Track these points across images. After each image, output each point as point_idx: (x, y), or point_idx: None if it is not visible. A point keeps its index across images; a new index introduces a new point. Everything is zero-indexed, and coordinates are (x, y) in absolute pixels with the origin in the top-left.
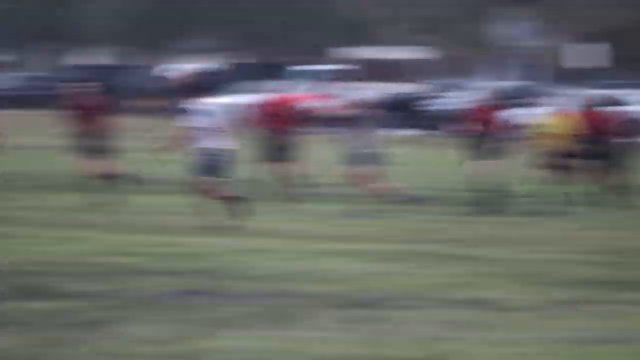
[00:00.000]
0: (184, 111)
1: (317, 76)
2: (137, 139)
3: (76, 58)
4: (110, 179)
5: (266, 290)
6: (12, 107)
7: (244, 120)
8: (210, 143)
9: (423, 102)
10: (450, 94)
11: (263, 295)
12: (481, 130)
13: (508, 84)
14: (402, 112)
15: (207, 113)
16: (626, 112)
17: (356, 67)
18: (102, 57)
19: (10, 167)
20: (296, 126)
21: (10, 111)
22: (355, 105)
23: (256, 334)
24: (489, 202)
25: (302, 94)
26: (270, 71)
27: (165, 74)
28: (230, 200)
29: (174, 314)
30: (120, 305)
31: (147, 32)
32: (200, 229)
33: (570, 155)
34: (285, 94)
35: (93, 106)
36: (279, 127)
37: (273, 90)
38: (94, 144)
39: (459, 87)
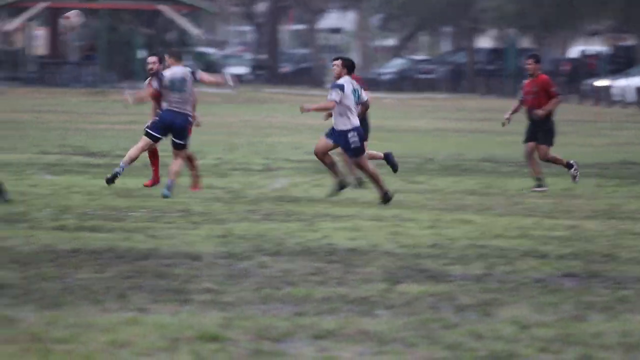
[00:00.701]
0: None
1: None
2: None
3: (464, 41)
4: None
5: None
6: (395, 90)
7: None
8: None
9: None
10: None
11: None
12: None
13: None
14: None
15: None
16: None
17: None
18: (492, 41)
19: (400, 150)
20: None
21: (394, 95)
22: None
23: (627, 318)
24: None
25: None
26: None
27: (557, 57)
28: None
29: (550, 297)
30: (500, 288)
31: (540, 14)
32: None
33: None
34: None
35: None
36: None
37: None
38: None
39: None
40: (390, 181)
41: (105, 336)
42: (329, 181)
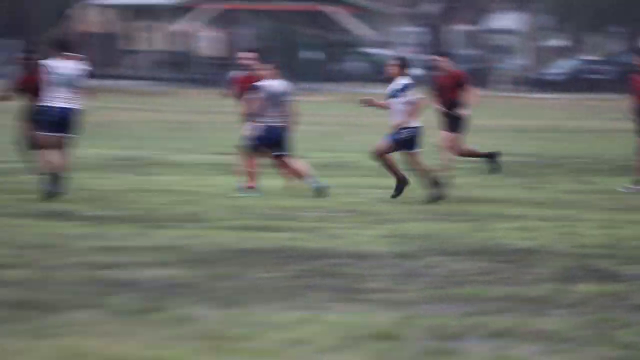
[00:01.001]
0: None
1: None
2: None
3: (636, 41)
4: None
5: None
6: (563, 91)
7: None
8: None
9: None
10: None
11: None
12: None
13: None
14: None
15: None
16: None
17: None
18: None
19: (571, 151)
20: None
21: (564, 95)
22: None
23: None
24: None
25: None
26: None
27: None
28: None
29: None
30: None
31: None
32: None
33: None
34: None
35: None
36: None
37: None
38: None
39: None
40: (562, 181)
41: (280, 334)
42: (497, 181)
